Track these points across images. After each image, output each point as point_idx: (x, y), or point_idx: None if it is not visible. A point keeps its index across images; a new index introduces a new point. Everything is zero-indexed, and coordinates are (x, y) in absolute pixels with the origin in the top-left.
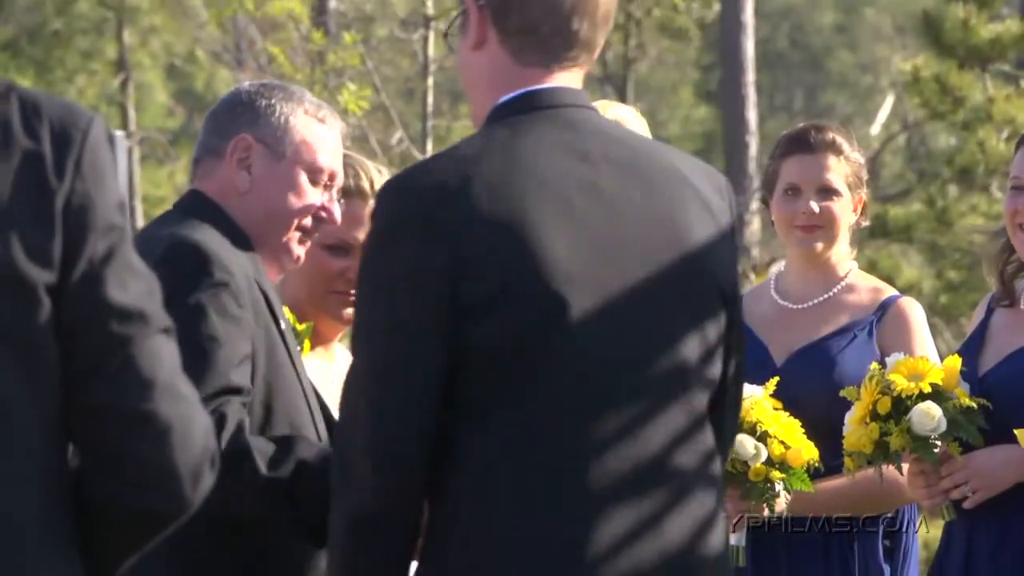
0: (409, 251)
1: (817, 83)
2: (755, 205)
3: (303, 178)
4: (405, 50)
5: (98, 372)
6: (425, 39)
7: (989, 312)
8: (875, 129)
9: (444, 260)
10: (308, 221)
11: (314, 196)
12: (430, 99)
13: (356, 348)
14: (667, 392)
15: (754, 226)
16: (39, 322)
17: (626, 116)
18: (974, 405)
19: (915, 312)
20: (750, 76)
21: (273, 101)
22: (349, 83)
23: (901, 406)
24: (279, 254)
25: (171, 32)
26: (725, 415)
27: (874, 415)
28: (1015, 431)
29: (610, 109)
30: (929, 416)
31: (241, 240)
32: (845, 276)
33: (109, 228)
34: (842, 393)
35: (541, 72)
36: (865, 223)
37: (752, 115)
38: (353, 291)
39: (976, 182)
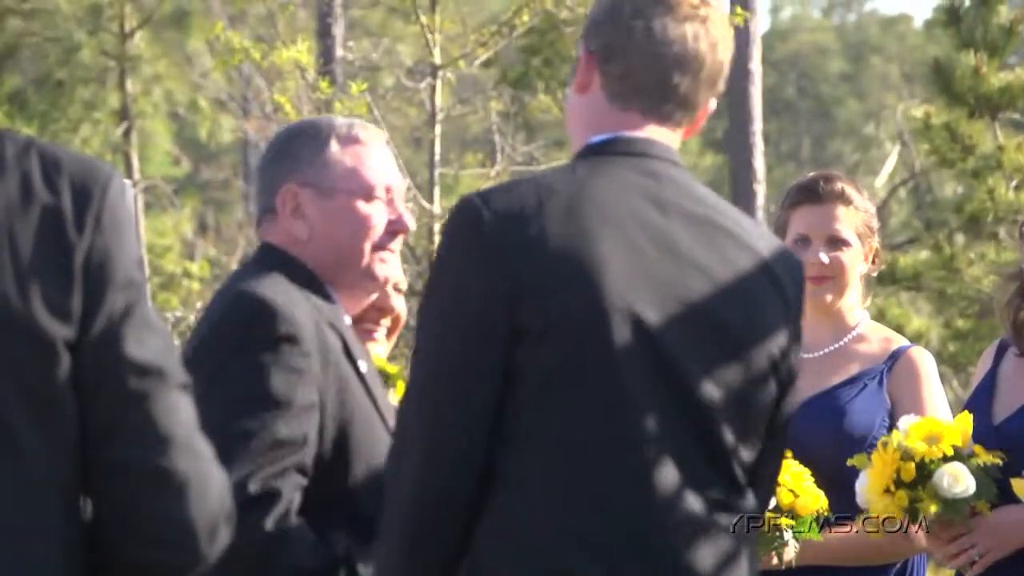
0: (472, 272)
1: (824, 131)
2: None
3: (359, 204)
4: (412, 99)
5: (116, 428)
6: (432, 88)
7: (998, 359)
8: (880, 180)
9: (506, 283)
10: (382, 238)
11: (378, 215)
12: (437, 148)
13: (414, 368)
14: (699, 453)
15: None
16: (58, 377)
17: None
18: (998, 462)
19: (926, 362)
20: (757, 124)
21: (304, 140)
22: None
23: (925, 471)
24: (363, 282)
25: (174, 80)
26: (759, 486)
27: (898, 482)
28: (1011, 480)
29: None
30: (957, 479)
31: (315, 284)
32: (856, 326)
33: (128, 283)
34: (851, 462)
35: (636, 119)
36: (875, 272)
37: (759, 163)
38: (377, 326)
39: (984, 230)
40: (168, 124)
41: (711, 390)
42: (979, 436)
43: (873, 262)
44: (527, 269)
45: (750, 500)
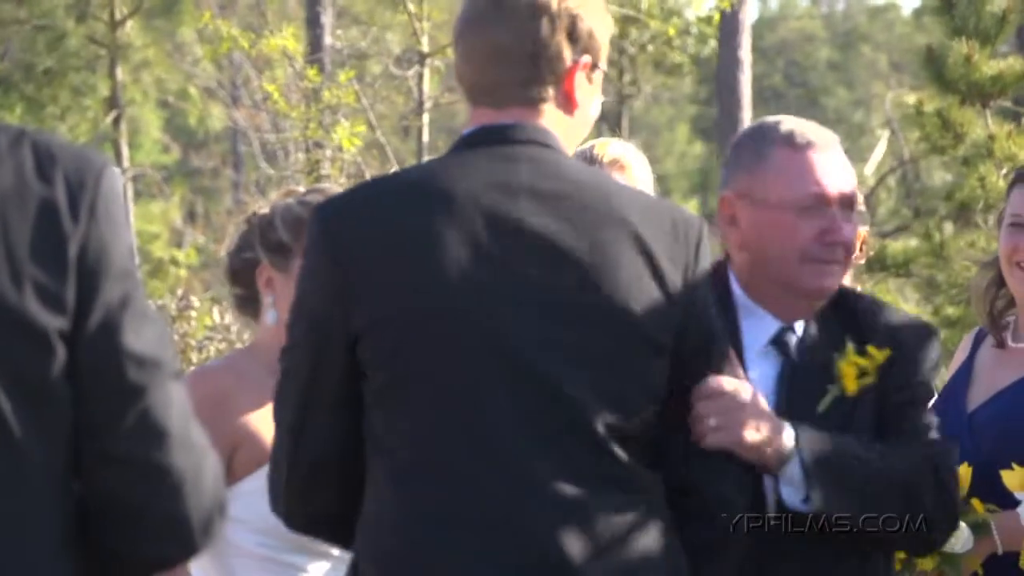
0: (312, 273)
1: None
2: None
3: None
4: (400, 87)
5: (114, 422)
6: (420, 76)
7: (975, 348)
8: (869, 168)
9: (339, 284)
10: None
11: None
12: (425, 136)
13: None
14: (539, 417)
15: None
16: (52, 368)
17: (624, 153)
18: (989, 518)
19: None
20: (747, 112)
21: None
22: (344, 120)
23: None
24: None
25: (164, 68)
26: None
27: None
28: (1001, 472)
29: (609, 147)
30: (955, 536)
31: None
32: None
33: (123, 274)
34: None
35: (492, 111)
36: (862, 261)
37: None
38: None
39: (974, 218)
40: (157, 112)
41: (563, 369)
42: (953, 424)
43: (860, 249)
44: (360, 268)
45: (644, 478)
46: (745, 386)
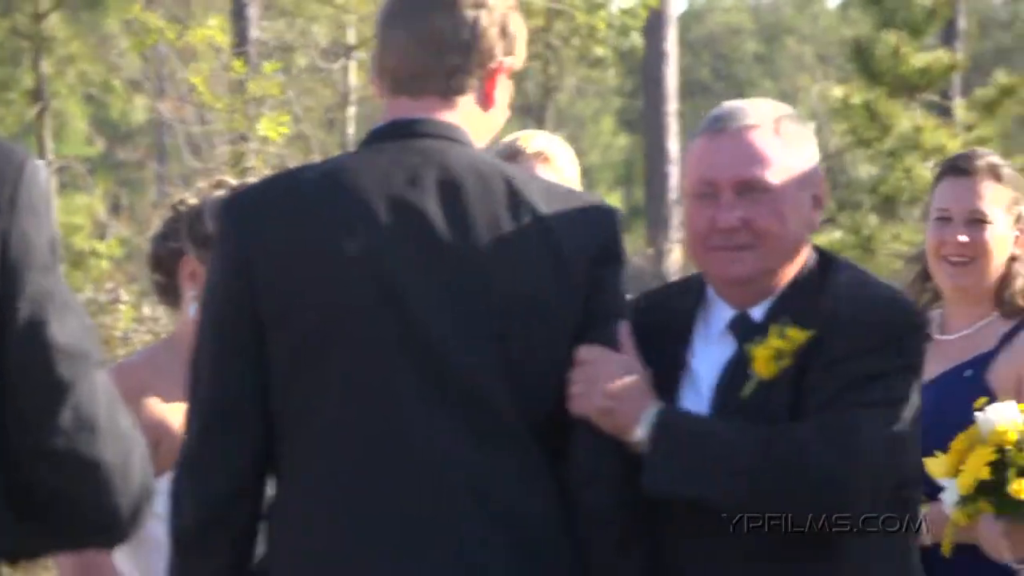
0: (218, 267)
1: None
2: (675, 234)
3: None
4: (326, 80)
5: (45, 418)
6: (346, 69)
7: None
8: None
9: (243, 276)
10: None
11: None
12: (350, 129)
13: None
14: (453, 408)
15: (675, 254)
16: None
17: (549, 146)
18: None
19: None
20: (672, 105)
21: None
22: (269, 112)
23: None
24: None
25: (88, 61)
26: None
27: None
28: (925, 460)
29: (534, 139)
30: None
31: None
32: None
33: (46, 267)
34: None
35: (409, 101)
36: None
37: (673, 145)
38: None
39: (900, 211)
40: (82, 105)
41: (475, 358)
42: None
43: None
44: (267, 261)
45: (558, 462)
46: (612, 357)
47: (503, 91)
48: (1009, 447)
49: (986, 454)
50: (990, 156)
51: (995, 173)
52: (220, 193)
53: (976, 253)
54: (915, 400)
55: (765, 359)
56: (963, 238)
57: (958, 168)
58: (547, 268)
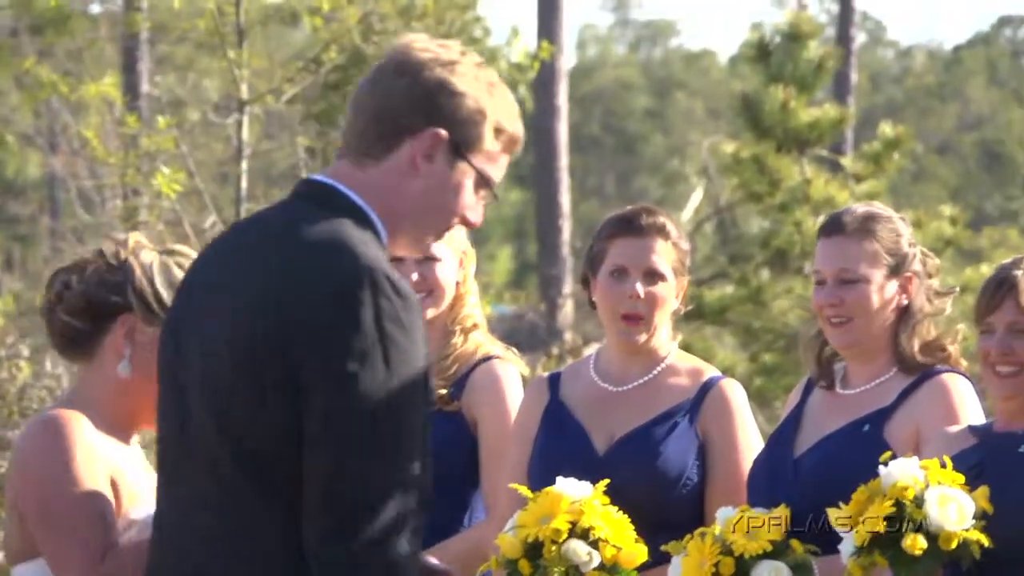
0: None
1: (630, 167)
2: (567, 288)
3: None
4: (219, 134)
5: None
6: (239, 123)
7: (806, 395)
8: (685, 215)
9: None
10: None
11: None
12: (244, 183)
13: None
14: (197, 468)
15: (567, 309)
16: None
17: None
18: (809, 559)
19: (736, 395)
20: (563, 160)
21: None
22: (163, 167)
23: (744, 566)
24: None
25: None
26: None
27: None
28: (827, 509)
29: None
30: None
31: None
32: (666, 357)
33: None
34: (664, 548)
35: (336, 161)
36: (684, 309)
37: (565, 199)
38: None
39: (791, 264)
40: None
41: (199, 403)
42: (778, 469)
43: (682, 300)
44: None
45: (275, 513)
46: None
47: (438, 161)
48: (907, 502)
49: (885, 508)
50: (864, 211)
51: (865, 228)
52: (168, 261)
53: (852, 313)
54: None
55: None
56: (833, 299)
57: (828, 228)
58: (264, 328)
